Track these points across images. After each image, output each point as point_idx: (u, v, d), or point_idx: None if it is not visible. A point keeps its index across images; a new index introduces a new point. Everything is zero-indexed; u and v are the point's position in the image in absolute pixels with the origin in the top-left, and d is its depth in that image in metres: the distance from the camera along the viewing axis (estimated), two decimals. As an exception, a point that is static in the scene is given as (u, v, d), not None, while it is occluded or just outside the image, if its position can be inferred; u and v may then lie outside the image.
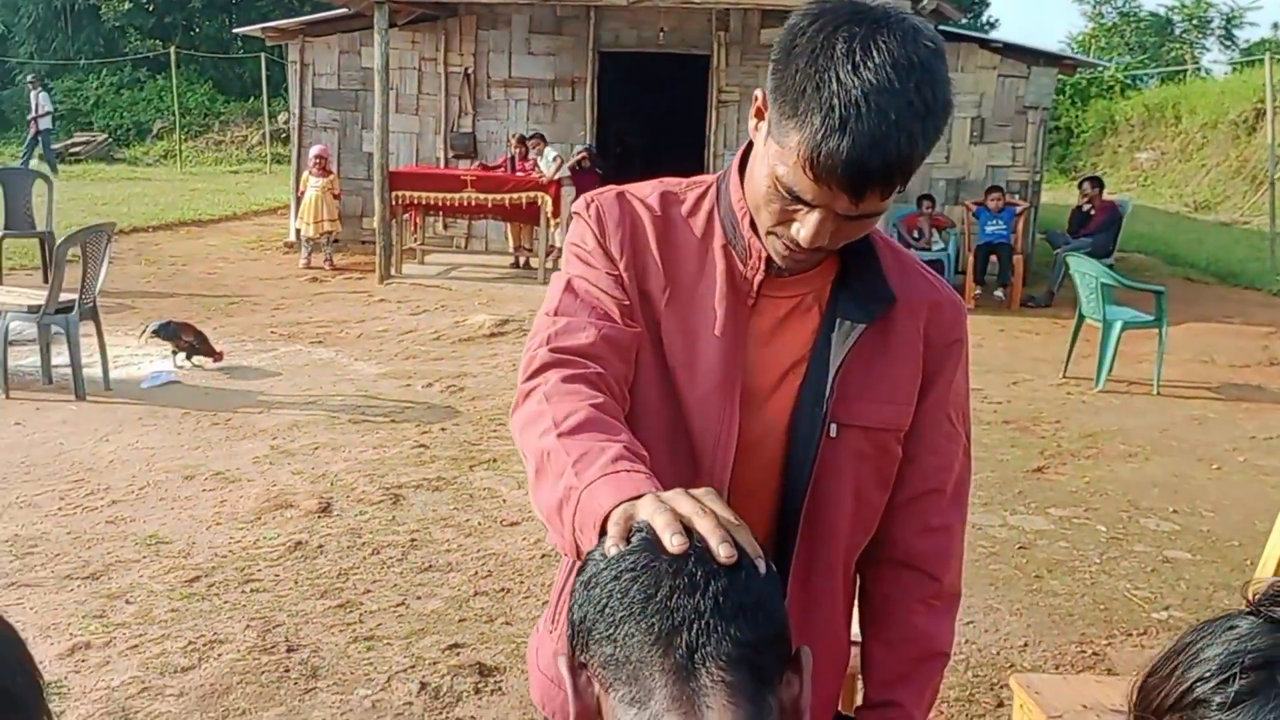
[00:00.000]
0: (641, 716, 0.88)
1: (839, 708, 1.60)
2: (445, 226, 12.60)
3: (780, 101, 1.22)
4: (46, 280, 7.90)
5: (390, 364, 7.80)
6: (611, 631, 0.90)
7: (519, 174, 11.53)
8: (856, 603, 1.59)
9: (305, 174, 11.81)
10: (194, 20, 30.37)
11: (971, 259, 11.15)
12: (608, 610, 0.91)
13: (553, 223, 10.91)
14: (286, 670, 3.57)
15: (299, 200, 11.97)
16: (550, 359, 1.31)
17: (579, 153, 11.62)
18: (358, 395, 6.99)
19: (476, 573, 4.39)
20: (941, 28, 11.59)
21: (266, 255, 12.71)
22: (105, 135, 26.10)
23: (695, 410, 1.39)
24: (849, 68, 1.17)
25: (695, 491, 1.01)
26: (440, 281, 11.06)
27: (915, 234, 11.48)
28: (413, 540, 4.68)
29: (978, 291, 11.04)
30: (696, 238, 1.42)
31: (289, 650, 3.69)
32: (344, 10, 12.00)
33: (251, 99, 27.41)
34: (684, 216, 1.43)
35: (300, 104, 12.99)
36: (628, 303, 1.39)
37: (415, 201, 11.07)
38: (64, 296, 6.61)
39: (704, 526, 0.95)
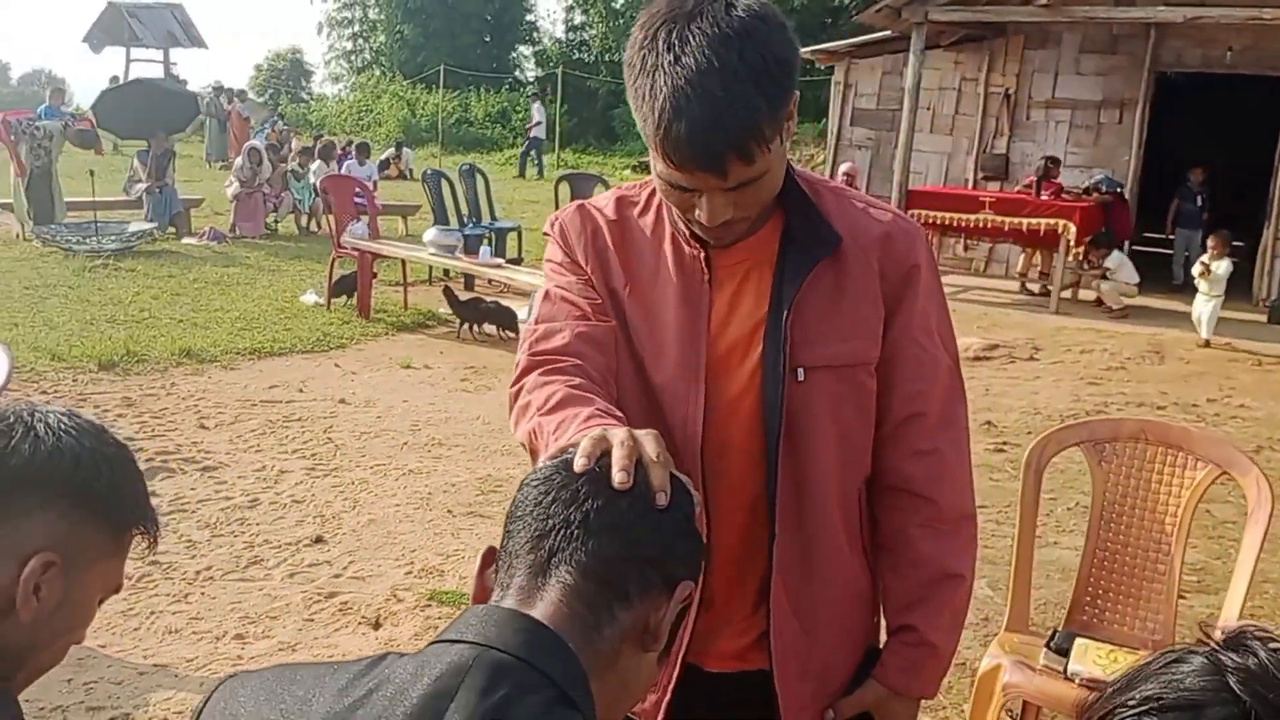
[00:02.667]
0: (497, 599, 1.05)
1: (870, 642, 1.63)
2: (965, 248, 12.45)
3: (635, 109, 1.33)
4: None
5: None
6: (509, 526, 1.08)
7: (1045, 198, 11.09)
8: None
9: (832, 189, 12.28)
10: (782, 45, 32.30)
11: None
12: (511, 510, 1.09)
13: (1074, 250, 10.38)
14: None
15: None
16: (530, 363, 1.46)
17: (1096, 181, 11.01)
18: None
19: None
20: None
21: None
22: (689, 150, 28.77)
23: (664, 393, 1.49)
24: (671, 60, 1.27)
25: (639, 432, 1.14)
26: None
27: None
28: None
29: None
30: (649, 232, 1.53)
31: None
32: (887, 33, 12.29)
33: (822, 120, 28.70)
34: (636, 216, 1.55)
35: (838, 123, 13.52)
36: (599, 300, 1.52)
37: (931, 220, 11.07)
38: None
39: (615, 454, 1.09)
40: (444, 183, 10.65)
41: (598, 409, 1.31)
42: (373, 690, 0.93)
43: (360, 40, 38.14)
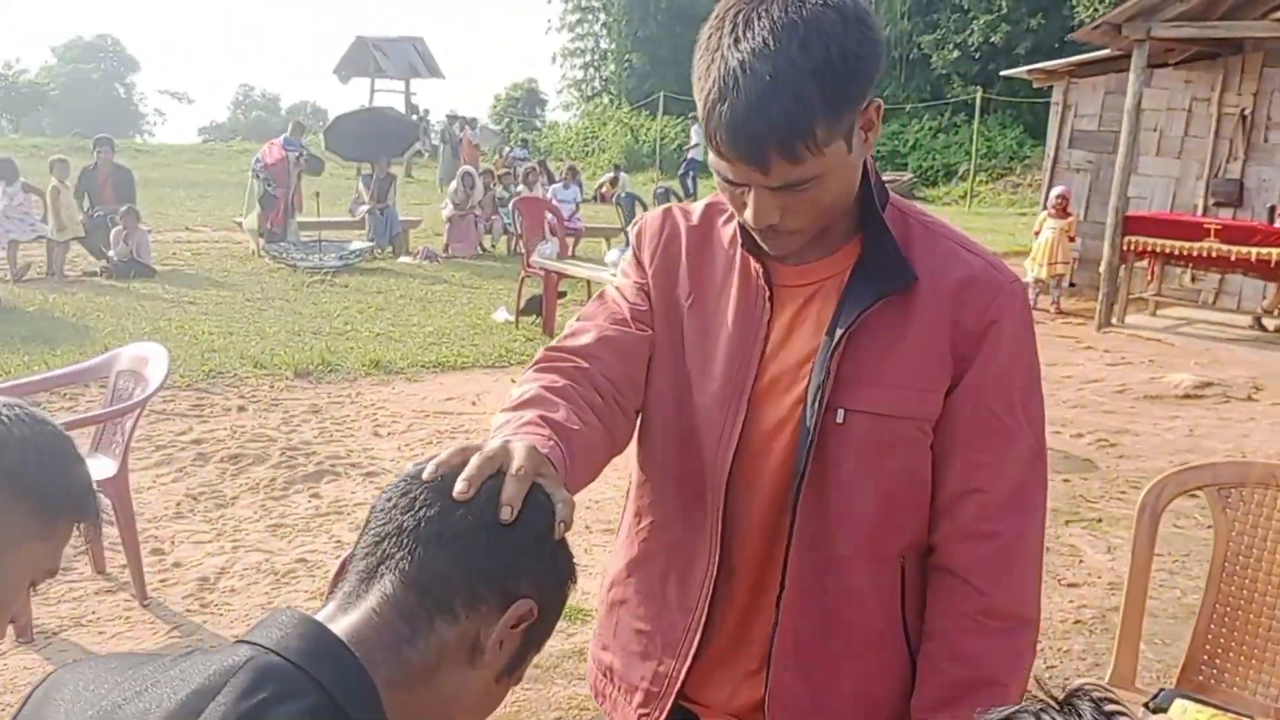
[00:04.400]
0: (326, 603, 1.04)
1: None
2: (1193, 279, 11.57)
3: (695, 92, 1.24)
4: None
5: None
6: (363, 530, 1.08)
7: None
8: None
9: (1043, 214, 11.71)
10: (1016, 66, 31.16)
11: None
12: (367, 515, 1.09)
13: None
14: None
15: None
16: (542, 356, 1.41)
17: None
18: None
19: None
20: None
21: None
22: (911, 175, 28.06)
23: (703, 413, 1.40)
24: (731, 42, 1.19)
25: (516, 444, 1.11)
26: (1164, 336, 10.24)
27: None
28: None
29: None
30: (728, 242, 1.43)
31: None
32: (1108, 51, 11.64)
33: (1056, 144, 27.45)
34: (721, 224, 1.45)
35: (1056, 145, 12.89)
36: (645, 308, 1.44)
37: (1149, 249, 10.37)
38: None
39: (469, 464, 1.07)
40: (637, 205, 10.80)
41: (542, 415, 1.24)
42: (155, 685, 0.93)
43: (591, 69, 39.32)
